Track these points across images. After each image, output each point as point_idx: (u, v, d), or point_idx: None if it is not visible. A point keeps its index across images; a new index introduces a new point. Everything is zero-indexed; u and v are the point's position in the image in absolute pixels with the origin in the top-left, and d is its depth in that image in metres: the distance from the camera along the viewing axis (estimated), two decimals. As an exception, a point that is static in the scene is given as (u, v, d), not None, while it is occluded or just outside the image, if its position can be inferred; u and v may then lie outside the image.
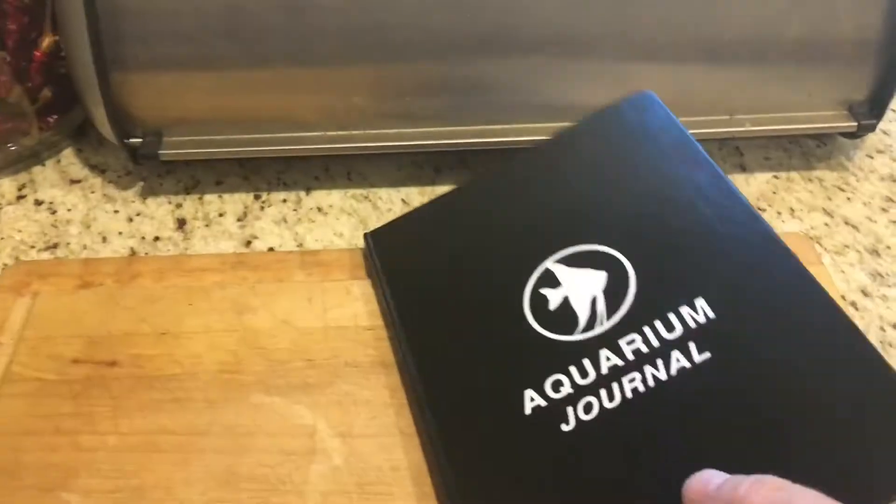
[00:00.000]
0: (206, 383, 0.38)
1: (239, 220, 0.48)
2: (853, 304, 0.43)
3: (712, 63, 0.46)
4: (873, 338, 0.41)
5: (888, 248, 0.47)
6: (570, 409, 0.33)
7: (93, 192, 0.49)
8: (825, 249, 0.46)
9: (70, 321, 0.40)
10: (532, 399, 0.34)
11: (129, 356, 0.39)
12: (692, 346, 0.33)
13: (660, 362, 0.33)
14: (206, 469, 0.34)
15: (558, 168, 0.42)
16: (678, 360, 0.33)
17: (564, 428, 0.32)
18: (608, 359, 0.34)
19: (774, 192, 0.50)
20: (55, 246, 0.46)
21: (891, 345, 0.41)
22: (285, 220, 0.48)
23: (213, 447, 0.35)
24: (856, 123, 0.48)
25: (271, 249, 0.46)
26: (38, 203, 0.49)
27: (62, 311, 0.41)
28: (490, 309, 0.37)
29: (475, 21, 0.44)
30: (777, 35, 0.45)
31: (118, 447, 0.35)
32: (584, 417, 0.32)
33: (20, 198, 0.49)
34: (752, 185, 0.50)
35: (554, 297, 0.37)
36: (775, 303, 0.33)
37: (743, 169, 0.52)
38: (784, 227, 0.48)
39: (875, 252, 0.46)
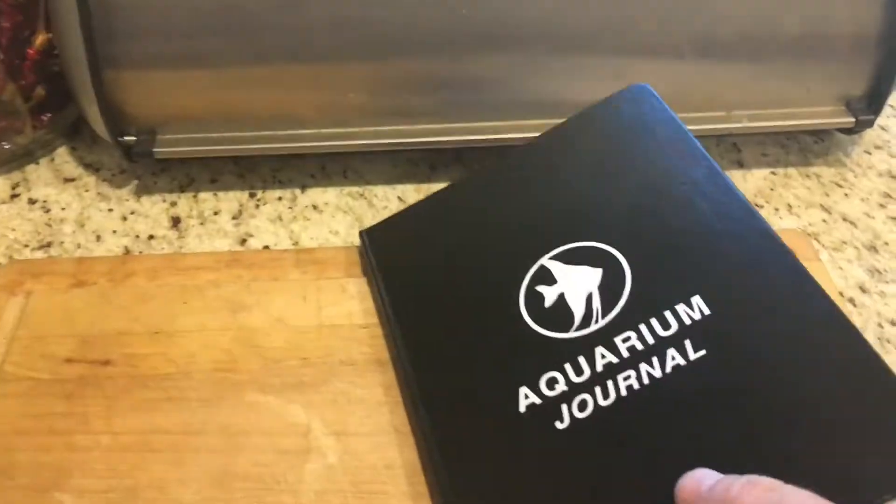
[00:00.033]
0: (200, 382, 0.37)
1: (234, 218, 0.48)
2: (851, 300, 0.43)
3: (709, 59, 0.46)
4: (871, 334, 0.41)
5: (886, 244, 0.46)
6: (564, 407, 0.33)
7: (87, 191, 0.49)
8: (823, 246, 0.46)
9: (63, 320, 0.40)
10: (527, 396, 0.33)
11: (122, 355, 0.38)
12: (688, 344, 0.33)
13: (655, 360, 0.33)
14: (201, 468, 0.34)
15: (554, 164, 0.41)
16: (673, 358, 0.32)
17: (559, 426, 0.32)
18: (603, 356, 0.33)
19: (772, 189, 0.50)
20: (49, 245, 0.46)
21: (888, 341, 0.41)
22: (280, 218, 0.48)
23: (208, 446, 0.35)
24: (853, 119, 0.47)
25: (266, 247, 0.46)
26: (32, 202, 0.49)
27: (55, 310, 0.40)
28: (485, 306, 0.37)
29: (470, 17, 0.43)
30: (774, 30, 0.45)
31: (112, 447, 0.35)
32: (578, 415, 0.32)
33: (14, 196, 0.49)
34: (750, 182, 0.50)
35: (549, 294, 0.36)
36: (771, 300, 0.33)
37: (740, 165, 0.51)
38: (782, 223, 0.48)
39: (873, 248, 0.46)
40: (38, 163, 0.51)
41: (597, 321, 0.35)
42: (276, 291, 0.41)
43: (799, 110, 0.48)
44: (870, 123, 0.48)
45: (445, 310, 0.38)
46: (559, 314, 0.35)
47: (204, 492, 0.34)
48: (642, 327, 0.34)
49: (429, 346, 0.37)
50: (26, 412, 0.36)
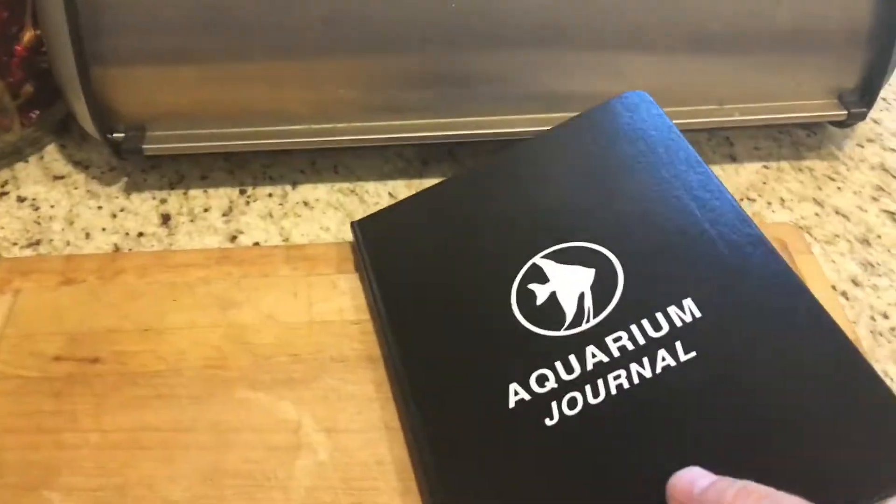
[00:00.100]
0: (190, 379, 0.37)
1: (224, 214, 0.47)
2: (844, 293, 0.43)
3: (701, 52, 0.46)
4: (863, 328, 0.41)
5: (878, 237, 0.46)
6: (554, 404, 0.33)
7: (76, 188, 0.49)
8: (815, 239, 0.46)
9: (52, 318, 0.40)
10: (516, 393, 0.33)
11: (111, 353, 0.38)
12: (678, 345, 0.33)
13: (645, 360, 0.33)
14: (191, 465, 0.34)
15: (549, 163, 0.42)
16: (664, 359, 0.33)
17: (548, 422, 0.32)
18: (594, 355, 0.33)
19: (765, 182, 0.50)
20: (38, 242, 0.46)
21: (881, 334, 0.41)
22: (271, 215, 0.47)
23: (198, 443, 0.35)
24: (846, 112, 0.47)
25: (257, 244, 0.46)
26: (21, 199, 0.48)
27: (44, 308, 0.40)
28: (477, 303, 0.37)
29: (461, 12, 0.43)
30: (766, 23, 0.45)
31: (101, 445, 0.35)
32: (567, 413, 0.32)
33: (2, 194, 0.49)
34: (742, 175, 0.50)
35: (541, 293, 0.36)
36: (761, 305, 0.33)
37: (733, 159, 0.51)
38: (774, 217, 0.47)
39: (865, 241, 0.46)
40: (26, 160, 0.51)
41: (588, 320, 0.35)
42: (267, 288, 0.41)
43: (791, 103, 0.48)
44: (862, 116, 0.48)
45: (437, 306, 0.38)
46: (551, 312, 0.35)
47: (194, 489, 0.33)
48: (633, 328, 0.34)
49: (420, 343, 0.37)
50: (14, 410, 0.36)
